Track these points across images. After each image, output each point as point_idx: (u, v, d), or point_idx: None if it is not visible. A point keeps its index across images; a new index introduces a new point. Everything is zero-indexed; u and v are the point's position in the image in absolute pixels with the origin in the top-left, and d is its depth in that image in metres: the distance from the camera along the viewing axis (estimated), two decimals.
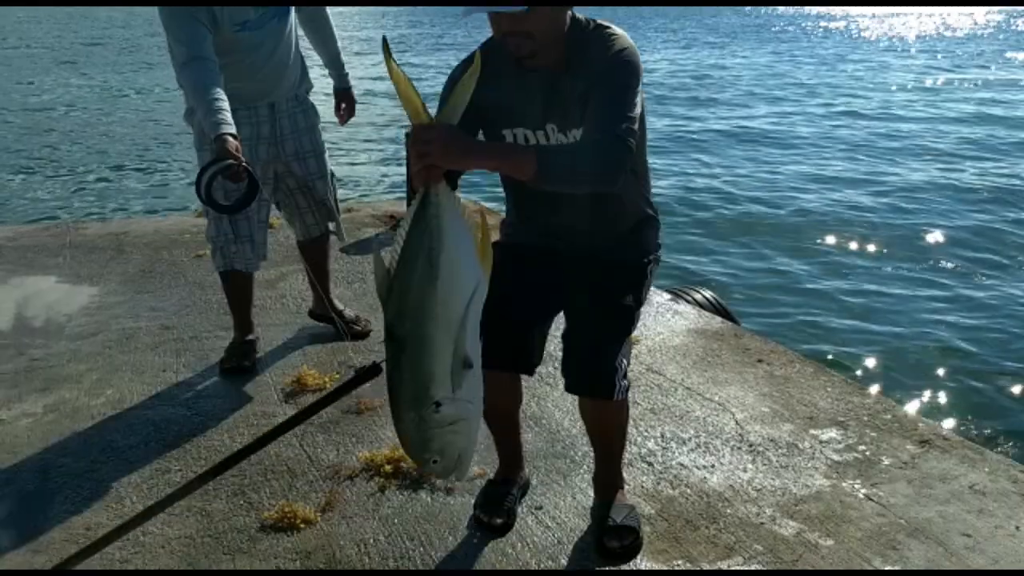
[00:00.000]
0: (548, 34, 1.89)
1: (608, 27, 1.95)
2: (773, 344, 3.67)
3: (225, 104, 2.69)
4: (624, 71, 1.89)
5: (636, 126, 1.84)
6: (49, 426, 2.85)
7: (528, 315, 2.13)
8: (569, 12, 1.95)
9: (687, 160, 11.70)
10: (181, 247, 4.83)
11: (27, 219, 8.71)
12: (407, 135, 1.55)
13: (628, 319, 2.12)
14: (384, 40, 1.60)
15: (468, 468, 1.70)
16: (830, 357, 5.26)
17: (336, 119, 3.54)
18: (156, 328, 3.67)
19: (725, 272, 7.00)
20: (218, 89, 2.71)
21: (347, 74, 3.47)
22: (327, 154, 3.35)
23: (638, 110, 1.87)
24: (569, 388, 2.12)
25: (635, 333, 2.35)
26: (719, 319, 4.02)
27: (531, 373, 2.21)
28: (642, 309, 2.18)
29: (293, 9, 3.12)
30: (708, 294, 4.55)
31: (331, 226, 3.47)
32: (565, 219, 2.10)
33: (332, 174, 3.39)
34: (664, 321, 3.82)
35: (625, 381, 2.09)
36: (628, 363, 2.14)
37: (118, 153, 12.58)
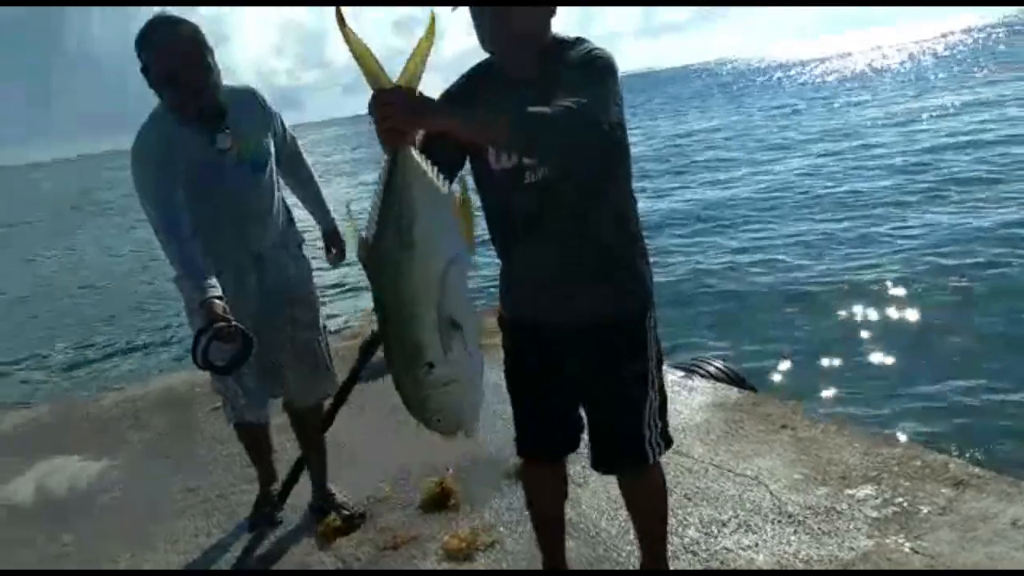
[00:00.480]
0: (529, 38, 1.90)
1: (586, 39, 1.93)
2: (793, 406, 3.69)
3: (206, 268, 2.65)
4: (597, 61, 1.86)
5: (609, 113, 1.78)
6: None
7: (545, 404, 2.17)
8: (551, 29, 1.96)
9: (684, 232, 11.89)
10: (196, 404, 4.87)
11: (35, 398, 8.77)
12: (370, 101, 1.52)
13: (641, 387, 2.10)
14: (337, 9, 1.52)
15: (475, 423, 1.71)
16: (851, 411, 5.24)
17: (328, 263, 3.39)
18: (182, 492, 3.67)
19: (733, 339, 7.01)
20: (197, 253, 2.66)
21: (333, 217, 3.33)
22: (320, 308, 3.19)
23: (612, 104, 1.81)
24: (596, 468, 2.18)
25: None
26: (736, 389, 4.04)
27: (563, 456, 2.28)
28: (656, 363, 2.13)
29: (272, 158, 2.99)
30: (721, 364, 4.57)
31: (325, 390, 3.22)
32: (549, 256, 2.02)
33: (325, 328, 3.20)
34: (681, 400, 3.84)
35: (657, 446, 2.12)
36: (660, 425, 2.13)
37: (116, 314, 12.75)
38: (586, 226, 1.99)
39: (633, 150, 2.08)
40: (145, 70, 2.62)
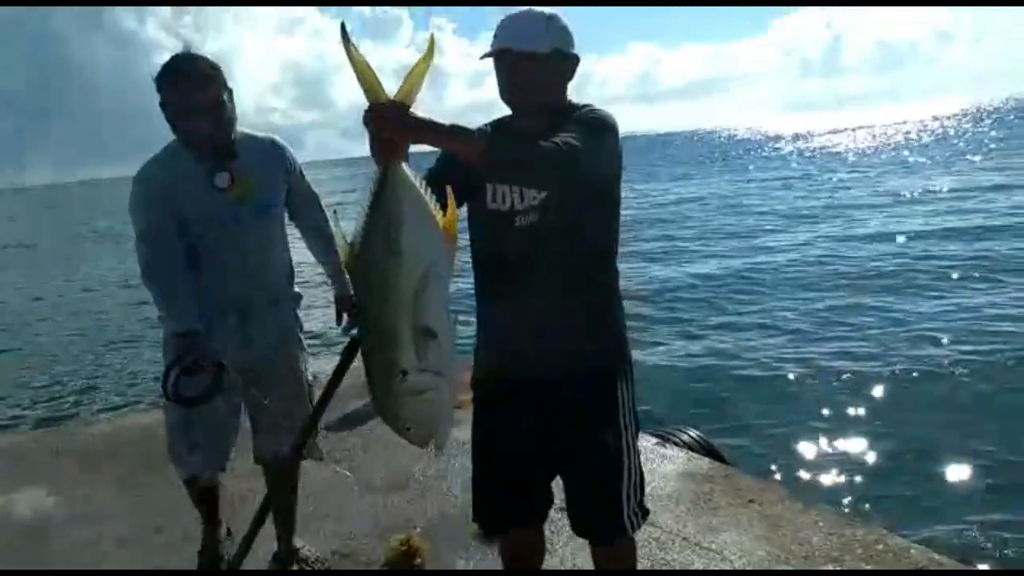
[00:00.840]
0: (547, 94, 2.04)
1: (595, 105, 2.05)
2: (762, 482, 3.73)
3: (187, 300, 2.65)
4: (594, 116, 1.99)
5: (600, 164, 1.90)
6: None
7: (517, 471, 2.19)
8: (568, 93, 2.10)
9: (666, 300, 12.02)
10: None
11: (19, 425, 8.68)
12: (365, 114, 1.59)
13: (616, 455, 2.12)
14: (342, 25, 1.62)
15: (446, 437, 1.75)
16: (820, 488, 5.28)
17: (336, 326, 3.19)
18: (150, 531, 3.65)
19: (708, 410, 7.03)
20: (180, 287, 2.66)
21: (343, 283, 3.11)
22: (307, 366, 3.08)
23: (604, 156, 1.94)
24: (576, 532, 2.21)
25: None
26: (708, 460, 4.08)
27: (536, 525, 2.29)
28: (633, 422, 2.15)
29: (281, 209, 2.93)
30: (694, 433, 4.60)
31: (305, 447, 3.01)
32: (532, 305, 2.07)
33: (310, 384, 3.08)
34: (653, 468, 3.87)
35: (635, 517, 2.14)
36: (639, 496, 2.15)
37: (96, 347, 12.65)
38: (572, 277, 2.06)
39: (622, 211, 2.16)
40: (164, 104, 2.67)
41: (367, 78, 1.63)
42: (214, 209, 2.72)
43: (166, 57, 2.69)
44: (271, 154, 2.89)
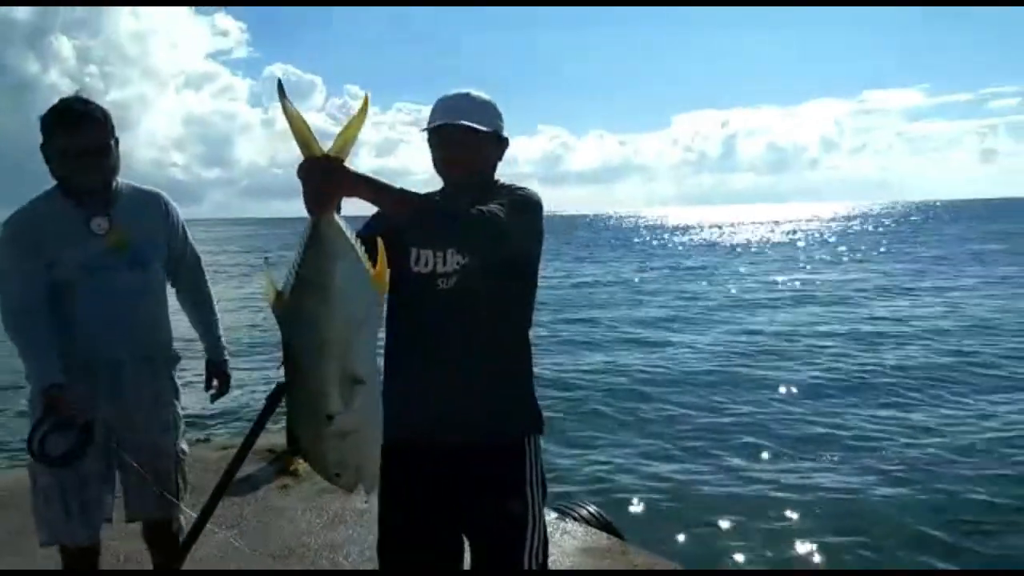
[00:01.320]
0: (480, 170, 2.15)
1: (524, 185, 2.16)
2: (657, 558, 3.80)
3: (54, 355, 2.53)
4: (522, 194, 2.10)
5: (518, 225, 1.96)
6: None
7: (423, 534, 2.18)
8: (495, 172, 2.21)
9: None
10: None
11: None
12: (300, 167, 1.61)
13: (521, 522, 2.13)
14: (279, 82, 1.65)
15: (374, 481, 1.81)
16: (714, 557, 5.40)
17: (207, 395, 3.09)
18: None
19: (607, 479, 7.19)
20: (48, 339, 2.55)
21: (224, 347, 3.07)
22: (181, 431, 2.94)
23: (526, 228, 2.03)
24: None
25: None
26: (606, 535, 4.13)
27: None
28: (540, 491, 2.17)
29: (160, 263, 2.83)
30: (593, 509, 4.67)
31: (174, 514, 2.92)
32: (447, 368, 2.10)
33: (182, 454, 2.93)
34: (554, 542, 3.88)
35: None
36: (541, 556, 2.16)
37: None
38: (487, 344, 2.11)
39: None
40: (47, 145, 2.61)
41: (302, 132, 1.66)
42: (89, 255, 2.63)
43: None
44: (154, 207, 2.83)
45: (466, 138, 2.10)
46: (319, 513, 4.34)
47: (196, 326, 3.05)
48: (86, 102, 2.64)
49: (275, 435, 5.70)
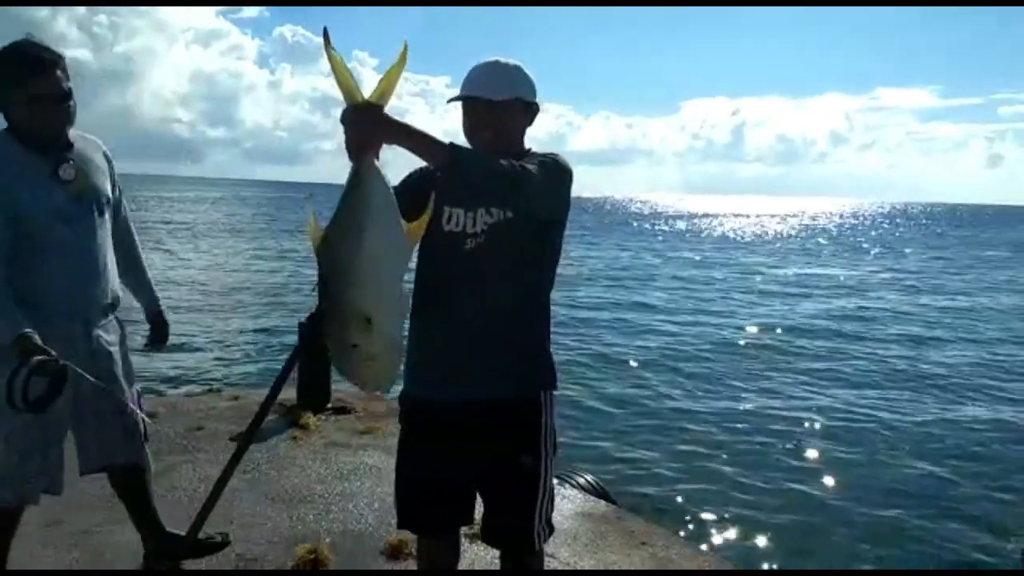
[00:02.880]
0: (507, 139, 2.20)
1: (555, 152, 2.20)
2: (653, 526, 3.96)
3: (14, 303, 2.45)
4: (552, 158, 2.14)
5: (550, 183, 2.05)
6: None
7: (438, 483, 2.28)
8: (526, 136, 2.27)
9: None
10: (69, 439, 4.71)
11: None
12: (343, 113, 1.78)
13: (534, 476, 2.24)
14: (325, 30, 1.75)
15: (389, 386, 2.05)
16: (710, 529, 5.65)
17: (148, 344, 3.13)
18: (48, 521, 3.55)
19: (601, 449, 7.42)
20: (8, 290, 2.47)
21: (157, 296, 3.10)
22: (132, 370, 2.93)
23: (555, 192, 2.11)
24: (488, 542, 2.34)
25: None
26: (603, 502, 4.29)
27: (455, 532, 2.41)
28: (552, 446, 2.27)
29: (111, 209, 2.81)
30: (590, 478, 4.83)
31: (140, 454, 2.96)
32: (469, 323, 2.17)
33: (140, 394, 2.97)
34: (554, 505, 4.03)
35: (543, 532, 2.27)
36: (548, 513, 2.29)
37: None
38: (509, 303, 2.20)
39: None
40: (1, 88, 2.52)
41: (345, 80, 1.77)
42: (58, 204, 2.58)
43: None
44: (99, 154, 2.80)
45: (487, 108, 2.17)
46: (328, 465, 4.50)
47: (131, 275, 3.01)
48: (45, 47, 2.55)
49: (285, 389, 5.89)
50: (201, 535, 3.17)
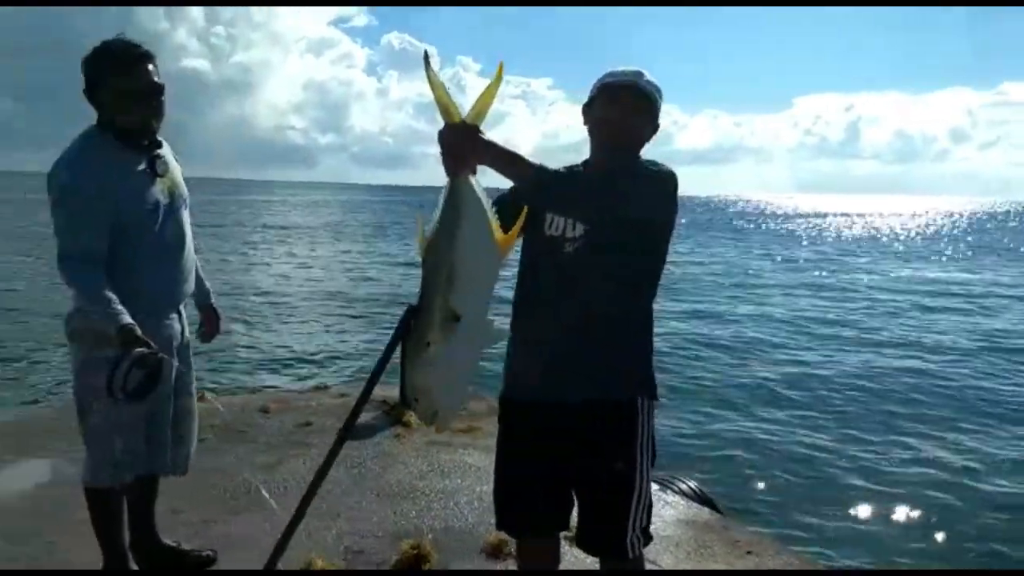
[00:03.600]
0: (636, 141, 2.23)
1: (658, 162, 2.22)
2: (759, 536, 3.84)
3: (117, 300, 2.50)
4: (655, 169, 2.17)
5: (641, 196, 2.07)
6: None
7: (536, 485, 2.30)
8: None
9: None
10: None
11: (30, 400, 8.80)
12: (440, 132, 1.88)
13: (628, 482, 2.21)
14: (425, 53, 1.87)
15: (449, 419, 2.07)
16: (817, 539, 5.45)
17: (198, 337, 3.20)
18: (166, 512, 3.74)
19: (709, 457, 7.26)
20: (109, 285, 2.52)
21: (210, 290, 3.18)
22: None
23: (651, 202, 2.11)
24: (582, 548, 2.31)
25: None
26: (707, 510, 4.19)
27: (553, 535, 2.41)
28: (649, 455, 2.24)
29: (187, 202, 2.89)
30: (693, 484, 4.72)
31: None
32: (566, 325, 2.19)
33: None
34: (655, 511, 3.91)
35: (637, 541, 2.24)
36: (645, 522, 2.25)
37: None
38: (607, 307, 2.19)
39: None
40: (100, 88, 2.58)
41: (443, 100, 1.86)
42: (156, 199, 2.67)
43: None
44: (173, 152, 2.87)
45: (643, 103, 2.20)
46: (430, 462, 4.57)
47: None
48: (136, 44, 2.61)
49: (388, 388, 6.02)
50: (206, 552, 3.26)
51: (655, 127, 2.28)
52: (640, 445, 2.23)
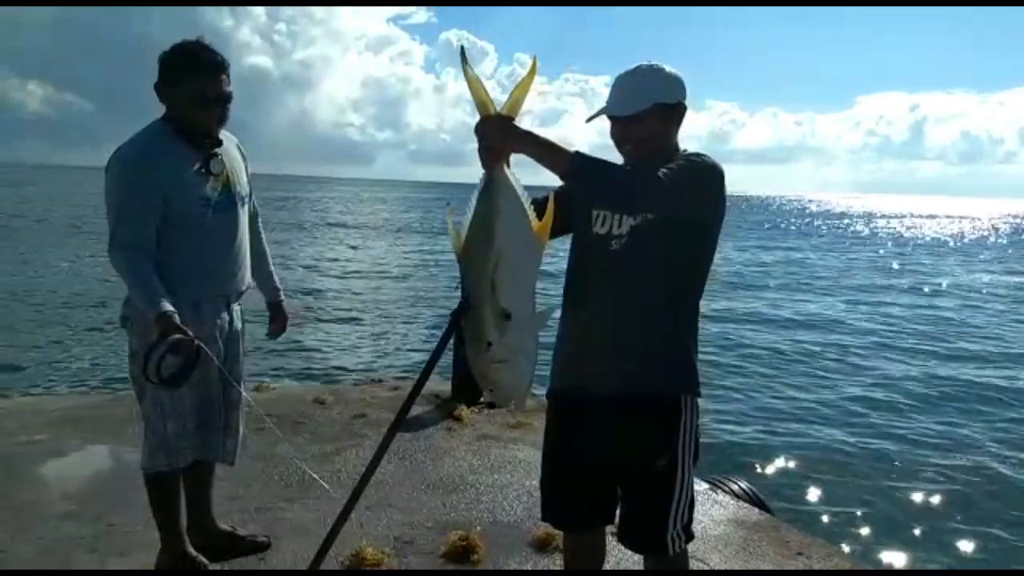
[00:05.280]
0: (653, 145, 2.18)
1: (704, 154, 2.15)
2: (811, 538, 3.79)
3: (162, 287, 2.58)
4: (696, 160, 2.11)
5: (683, 188, 2.01)
6: None
7: (580, 479, 2.32)
8: (676, 138, 2.24)
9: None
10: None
11: (86, 384, 9.13)
12: (476, 126, 1.94)
13: (670, 479, 2.21)
14: (462, 48, 1.93)
15: (523, 401, 2.15)
16: (869, 543, 5.37)
17: (268, 333, 3.33)
18: (223, 498, 3.86)
19: (764, 459, 7.18)
20: (155, 274, 2.61)
21: (279, 287, 3.29)
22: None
23: (693, 195, 2.06)
24: (622, 542, 2.33)
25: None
26: (757, 511, 4.15)
27: (598, 528, 2.42)
28: (692, 453, 2.23)
29: (250, 201, 3.03)
30: (744, 485, 4.67)
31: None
32: (609, 319, 2.19)
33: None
34: (705, 510, 3.96)
35: (678, 538, 2.23)
36: (687, 520, 2.25)
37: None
38: (651, 304, 2.19)
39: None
40: (173, 87, 2.69)
41: (479, 94, 1.94)
42: (208, 195, 2.75)
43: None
44: (238, 150, 2.98)
45: (622, 125, 2.20)
46: (480, 456, 4.62)
47: (257, 264, 3.12)
48: (216, 51, 2.72)
49: (440, 383, 6.10)
50: (261, 537, 3.37)
51: (665, 120, 2.21)
52: (682, 442, 2.23)
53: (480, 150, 1.95)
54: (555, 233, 2.09)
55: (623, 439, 2.23)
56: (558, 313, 2.28)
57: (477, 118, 1.95)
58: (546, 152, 1.92)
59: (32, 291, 16.73)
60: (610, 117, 2.22)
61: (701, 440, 2.30)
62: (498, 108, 1.94)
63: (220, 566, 3.15)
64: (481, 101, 1.93)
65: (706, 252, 2.26)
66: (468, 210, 1.99)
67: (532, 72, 1.95)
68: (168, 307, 2.54)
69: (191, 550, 3.08)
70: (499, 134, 1.92)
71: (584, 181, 1.97)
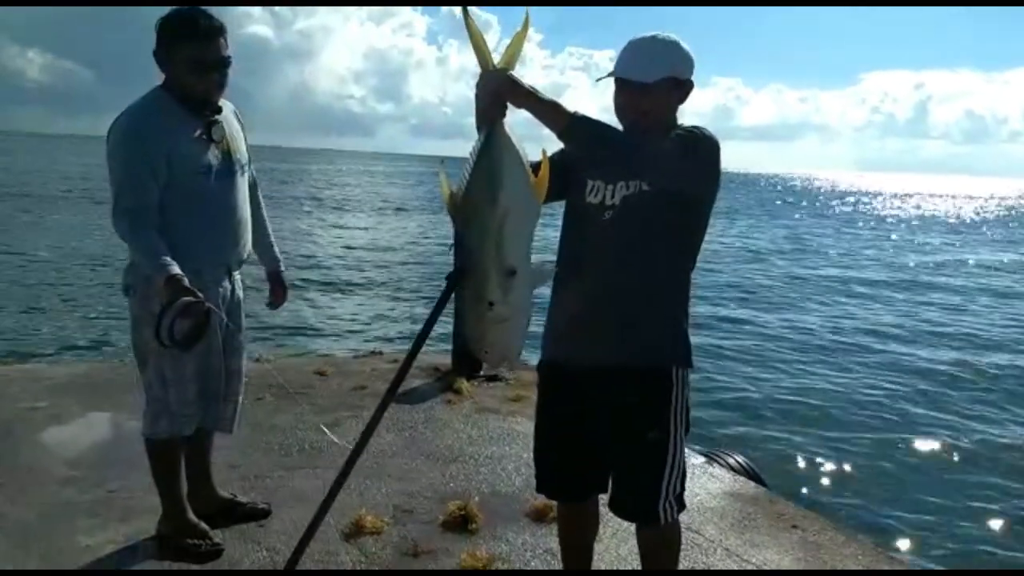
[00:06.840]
0: (656, 118, 2.16)
1: (704, 127, 2.14)
2: (805, 510, 3.82)
3: (168, 252, 2.59)
4: (696, 132, 2.10)
5: (679, 159, 2.03)
6: (130, 553, 3.06)
7: (573, 450, 2.34)
8: (677, 113, 2.23)
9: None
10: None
11: (86, 352, 9.16)
12: (477, 81, 1.99)
13: (662, 449, 2.22)
14: (464, 7, 1.97)
15: (517, 358, 2.18)
16: (863, 516, 5.47)
17: (268, 303, 3.35)
18: (223, 466, 3.88)
19: (754, 434, 7.24)
20: (160, 239, 2.62)
21: (279, 257, 3.28)
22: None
23: (692, 168, 2.07)
24: (614, 512, 2.35)
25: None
26: (753, 484, 4.19)
27: (591, 498, 2.44)
28: (683, 424, 2.24)
29: (250, 169, 3.03)
30: (741, 459, 4.71)
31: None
32: (601, 289, 2.19)
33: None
34: (701, 483, 3.99)
35: (670, 508, 2.24)
36: (679, 490, 2.26)
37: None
38: (643, 276, 2.19)
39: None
40: (169, 53, 2.66)
41: (480, 47, 2.01)
42: (209, 162, 2.75)
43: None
44: (237, 118, 2.97)
45: (640, 92, 2.15)
46: (479, 428, 4.65)
47: (256, 234, 3.10)
48: (211, 16, 2.69)
49: (439, 355, 6.12)
50: (262, 505, 3.40)
51: (672, 94, 2.19)
52: (674, 413, 2.24)
53: (478, 104, 2.00)
54: (547, 198, 2.06)
55: (615, 411, 2.24)
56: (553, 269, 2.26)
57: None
58: (548, 107, 1.97)
59: (31, 260, 16.74)
60: (620, 81, 2.18)
61: (697, 414, 2.31)
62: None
63: (221, 532, 3.17)
64: (482, 53, 2.00)
65: (699, 225, 2.26)
66: (464, 170, 1.99)
67: (525, 27, 2.01)
68: (176, 270, 2.54)
69: (192, 517, 3.10)
70: (504, 84, 1.97)
71: (584, 138, 2.01)
